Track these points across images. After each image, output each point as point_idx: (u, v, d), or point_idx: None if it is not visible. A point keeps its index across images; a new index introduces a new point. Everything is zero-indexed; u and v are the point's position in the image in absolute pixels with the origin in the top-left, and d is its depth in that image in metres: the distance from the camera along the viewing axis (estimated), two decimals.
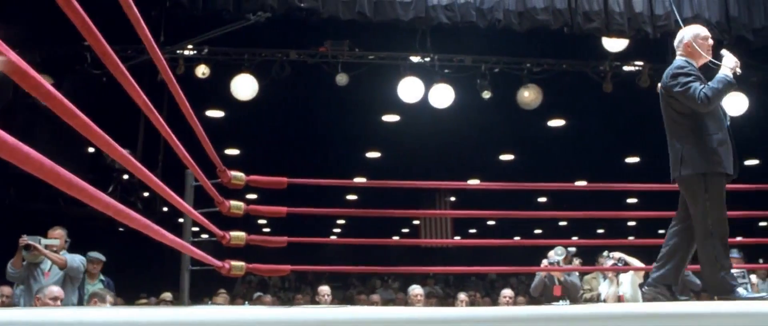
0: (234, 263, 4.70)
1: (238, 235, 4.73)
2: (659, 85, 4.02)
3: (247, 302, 9.35)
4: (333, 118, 10.23)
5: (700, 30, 4.09)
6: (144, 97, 2.59)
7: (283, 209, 5.03)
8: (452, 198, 14.53)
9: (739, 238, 6.24)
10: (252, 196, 11.94)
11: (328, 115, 10.21)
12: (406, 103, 8.26)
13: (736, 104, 7.92)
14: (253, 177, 4.87)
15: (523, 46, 7.96)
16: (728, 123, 3.97)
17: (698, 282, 5.81)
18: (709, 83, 3.81)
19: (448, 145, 11.39)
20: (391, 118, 10.63)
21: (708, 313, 2.04)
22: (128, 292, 9.05)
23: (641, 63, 8.39)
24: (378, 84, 8.44)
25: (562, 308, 4.17)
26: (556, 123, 11.19)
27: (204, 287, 9.39)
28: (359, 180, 13.73)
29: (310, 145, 11.91)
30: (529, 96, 8.24)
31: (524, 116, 8.94)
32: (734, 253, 6.81)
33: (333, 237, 19.67)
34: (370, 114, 10.44)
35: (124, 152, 2.18)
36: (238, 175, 4.71)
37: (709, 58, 4.01)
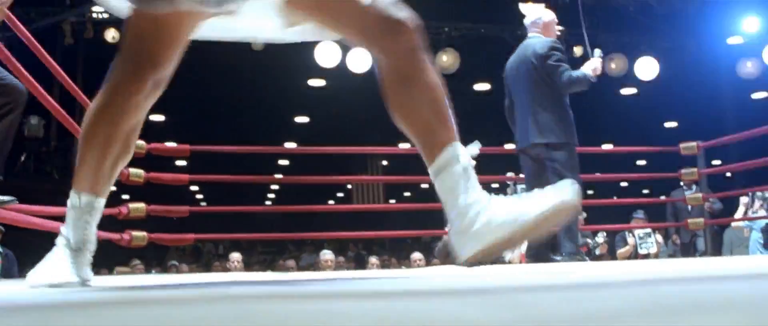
0: (135, 233, 4.64)
1: (137, 207, 4.66)
2: (523, 54, 4.09)
3: (153, 271, 9.17)
4: (257, 83, 10.09)
5: (553, 15, 4.27)
6: (54, 63, 2.52)
7: (185, 176, 4.98)
8: (384, 163, 14.60)
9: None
10: (182, 163, 11.74)
11: (252, 80, 10.06)
12: (327, 68, 8.20)
13: (648, 69, 8.13)
14: (153, 145, 4.80)
15: (440, 10, 7.95)
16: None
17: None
18: (575, 72, 3.96)
19: (377, 109, 11.29)
20: (316, 82, 10.54)
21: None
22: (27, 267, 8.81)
23: (559, 28, 8.48)
24: (295, 49, 8.31)
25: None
26: (482, 87, 11.28)
27: (120, 258, 9.17)
28: (290, 145, 13.63)
29: (237, 110, 11.75)
30: (446, 60, 8.28)
31: (447, 81, 8.93)
32: (640, 214, 7.04)
33: (268, 203, 19.59)
34: (295, 79, 10.33)
35: None
36: (137, 143, 4.62)
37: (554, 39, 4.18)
